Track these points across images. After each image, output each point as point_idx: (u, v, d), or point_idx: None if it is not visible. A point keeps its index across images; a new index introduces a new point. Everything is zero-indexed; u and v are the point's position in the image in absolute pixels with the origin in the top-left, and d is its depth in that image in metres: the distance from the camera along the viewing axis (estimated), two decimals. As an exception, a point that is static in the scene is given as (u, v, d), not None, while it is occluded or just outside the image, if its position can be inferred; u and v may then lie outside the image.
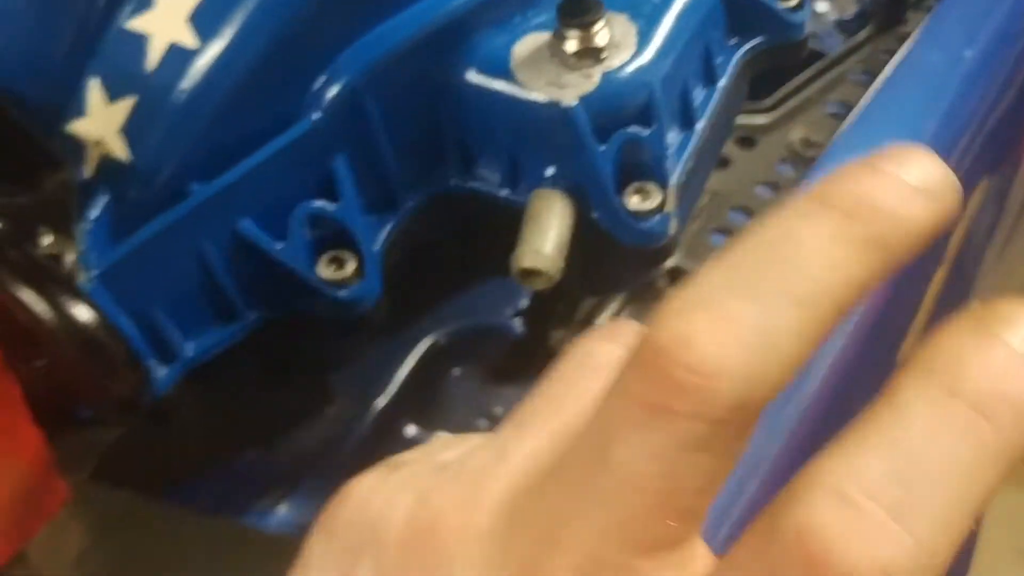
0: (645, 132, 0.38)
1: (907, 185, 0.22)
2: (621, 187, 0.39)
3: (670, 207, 0.38)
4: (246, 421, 0.44)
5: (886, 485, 0.19)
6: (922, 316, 0.57)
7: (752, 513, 0.44)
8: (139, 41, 0.37)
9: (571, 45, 0.38)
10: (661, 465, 0.20)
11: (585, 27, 0.37)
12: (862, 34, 0.61)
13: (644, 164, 0.38)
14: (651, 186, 0.38)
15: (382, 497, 0.25)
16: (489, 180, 0.41)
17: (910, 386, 0.20)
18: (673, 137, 0.40)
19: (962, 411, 0.20)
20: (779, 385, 0.20)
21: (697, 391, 0.20)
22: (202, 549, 0.40)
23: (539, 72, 0.38)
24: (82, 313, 0.30)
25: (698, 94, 0.42)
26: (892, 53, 0.59)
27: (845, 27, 0.62)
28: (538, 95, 0.38)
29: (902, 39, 0.60)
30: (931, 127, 0.55)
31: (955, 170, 0.53)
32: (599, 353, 0.26)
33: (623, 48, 0.38)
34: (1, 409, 0.31)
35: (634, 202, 0.39)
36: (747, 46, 0.43)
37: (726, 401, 0.20)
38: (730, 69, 0.43)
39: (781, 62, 0.44)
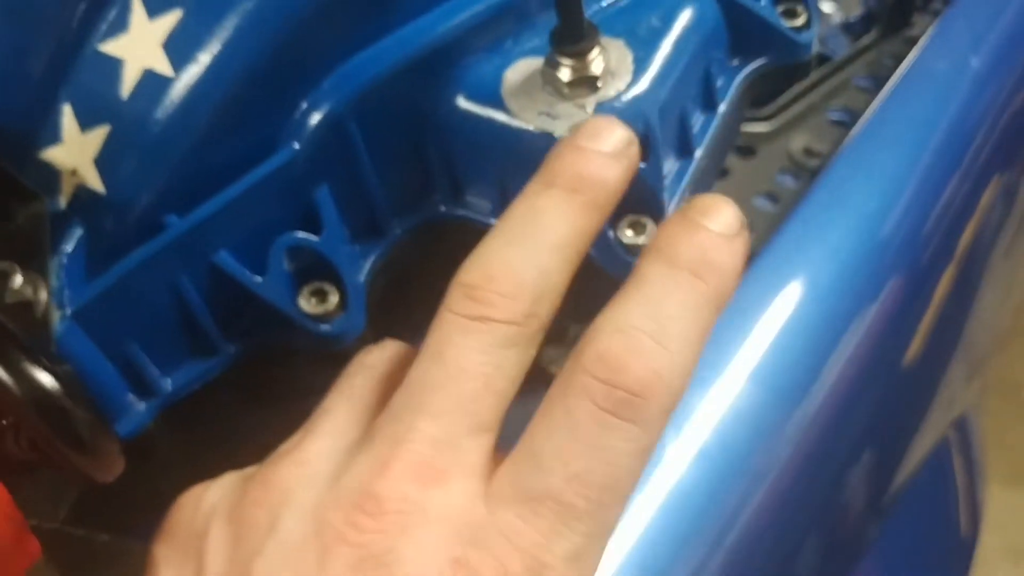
0: (641, 166, 0.36)
1: (602, 154, 0.33)
2: (615, 220, 0.37)
3: (666, 242, 0.37)
4: (225, 453, 0.42)
5: (646, 321, 0.30)
6: (930, 314, 0.56)
7: (761, 517, 0.43)
8: (113, 66, 0.35)
9: (564, 73, 0.36)
10: (484, 356, 0.30)
11: (579, 55, 0.36)
12: (867, 38, 0.59)
13: (640, 197, 0.37)
14: (646, 220, 0.37)
15: (208, 496, 0.32)
16: (479, 208, 0.39)
17: (647, 265, 0.31)
18: (670, 166, 0.39)
19: (684, 276, 0.31)
20: (556, 300, 0.32)
21: (505, 305, 0.31)
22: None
23: (531, 101, 0.37)
24: (45, 380, 0.29)
25: (697, 119, 0.40)
26: (897, 58, 0.58)
27: (850, 29, 0.60)
28: (529, 125, 0.36)
29: (908, 43, 0.59)
30: (939, 136, 0.53)
31: (965, 172, 0.52)
32: (368, 357, 0.35)
33: (619, 76, 0.37)
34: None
35: (628, 235, 0.37)
36: (750, 67, 0.42)
37: (524, 309, 0.31)
38: (731, 92, 0.41)
39: (785, 83, 0.43)
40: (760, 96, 0.51)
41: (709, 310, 0.31)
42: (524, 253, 0.31)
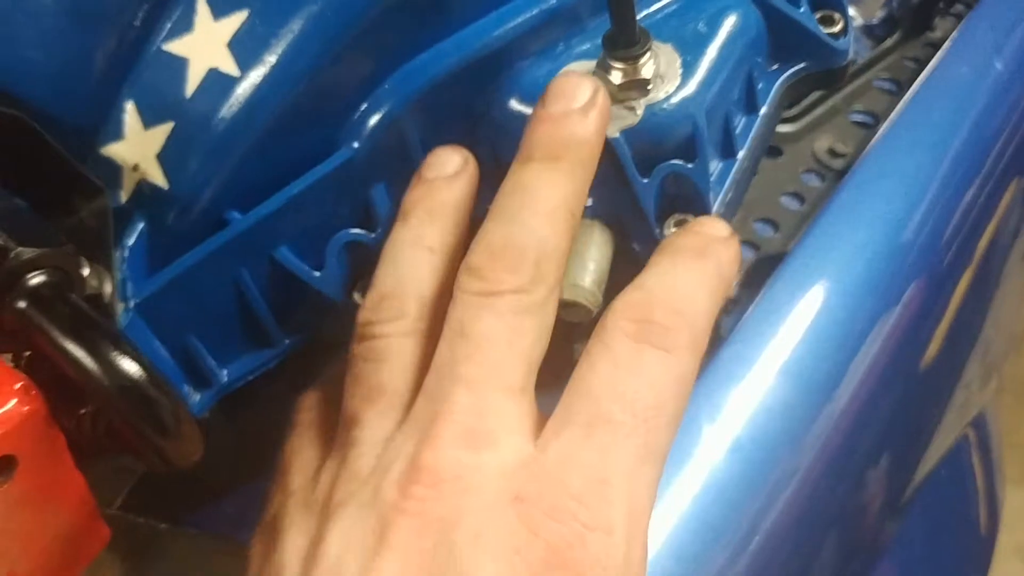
0: (688, 166, 0.38)
1: (572, 113, 0.34)
2: (662, 219, 0.38)
3: (710, 241, 0.38)
4: (275, 442, 0.43)
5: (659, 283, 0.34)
6: (948, 316, 0.57)
7: (786, 521, 0.44)
8: (177, 65, 0.36)
9: (616, 76, 0.37)
10: (504, 324, 0.32)
11: (632, 59, 0.37)
12: (889, 41, 0.60)
13: (686, 196, 0.38)
14: (692, 219, 0.38)
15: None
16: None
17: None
18: (713, 167, 0.40)
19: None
20: (559, 260, 0.34)
21: (510, 278, 0.32)
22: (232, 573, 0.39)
23: (582, 103, 0.38)
24: (132, 369, 0.30)
25: (739, 122, 0.41)
26: (919, 61, 0.59)
27: (872, 32, 0.61)
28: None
29: (929, 46, 0.60)
30: (960, 138, 0.54)
31: (986, 176, 0.53)
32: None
33: (668, 80, 0.38)
34: (47, 460, 0.31)
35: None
36: (788, 72, 0.43)
37: (528, 277, 0.33)
38: (771, 95, 0.42)
39: (821, 87, 0.44)
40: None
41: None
42: (518, 227, 0.33)
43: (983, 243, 0.58)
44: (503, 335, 0.32)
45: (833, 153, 0.57)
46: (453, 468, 0.30)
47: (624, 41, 0.36)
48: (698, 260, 0.35)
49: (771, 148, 0.57)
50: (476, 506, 0.29)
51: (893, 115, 0.54)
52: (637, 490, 0.31)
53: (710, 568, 0.41)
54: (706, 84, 0.38)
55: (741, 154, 0.41)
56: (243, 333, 0.38)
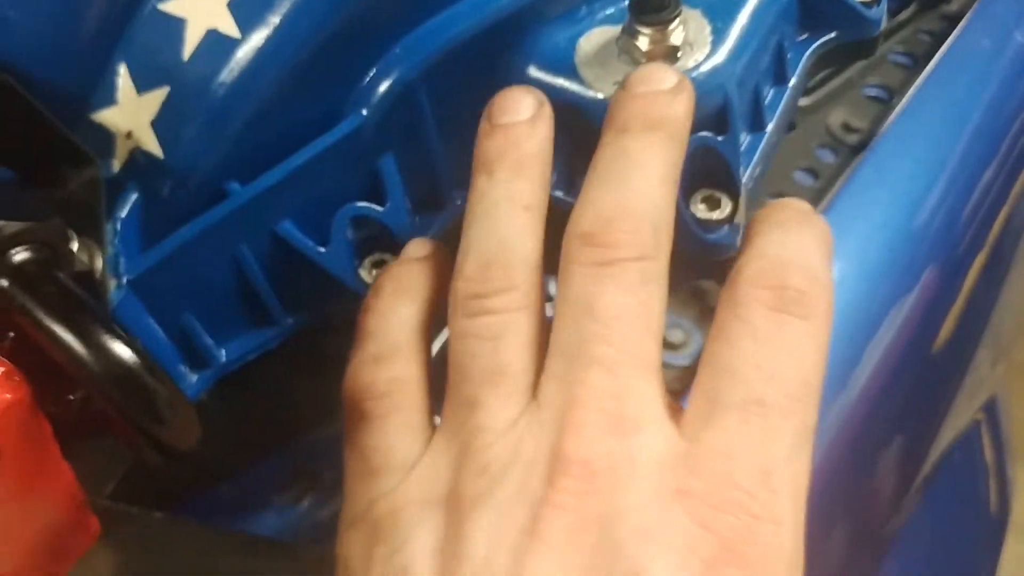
0: (719, 139, 0.35)
1: (662, 92, 0.33)
2: (689, 193, 0.36)
3: (740, 218, 0.36)
4: (276, 424, 0.41)
5: (784, 248, 0.31)
6: (960, 300, 0.55)
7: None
8: (174, 25, 0.34)
9: (643, 43, 0.35)
10: (631, 297, 0.30)
11: (661, 25, 0.34)
12: (904, 13, 0.58)
13: (715, 172, 0.36)
14: (721, 195, 0.36)
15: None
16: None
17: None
18: (743, 140, 0.38)
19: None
20: (671, 232, 0.32)
21: (632, 241, 0.30)
22: (232, 564, 0.38)
23: (606, 70, 0.36)
24: (124, 353, 0.28)
25: (768, 93, 0.39)
26: (933, 34, 0.57)
27: (887, 5, 0.59)
28: (604, 95, 0.35)
29: (944, 19, 0.58)
30: (979, 114, 0.53)
31: (1003, 158, 0.51)
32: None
33: (697, 48, 0.36)
34: (33, 450, 0.29)
35: (701, 210, 0.36)
36: (818, 42, 0.41)
37: (650, 242, 0.30)
38: (800, 66, 0.40)
39: (852, 58, 0.42)
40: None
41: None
42: (630, 191, 0.31)
43: (996, 227, 0.57)
44: (632, 309, 0.30)
45: (847, 128, 0.55)
46: (604, 459, 0.28)
47: (653, 5, 0.34)
48: (808, 226, 0.32)
49: (785, 122, 0.55)
50: (638, 501, 0.28)
51: (912, 90, 0.52)
52: (798, 474, 0.29)
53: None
54: (737, 53, 0.36)
55: (770, 127, 0.39)
56: (242, 311, 0.36)
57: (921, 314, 0.49)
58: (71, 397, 0.29)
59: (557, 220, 0.33)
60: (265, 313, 0.36)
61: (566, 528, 0.27)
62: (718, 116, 0.36)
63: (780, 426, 0.29)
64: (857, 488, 0.49)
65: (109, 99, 0.34)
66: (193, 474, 0.39)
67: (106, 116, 0.34)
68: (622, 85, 0.34)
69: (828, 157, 0.54)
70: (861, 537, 0.52)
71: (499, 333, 0.31)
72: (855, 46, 0.41)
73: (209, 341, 0.36)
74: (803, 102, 0.55)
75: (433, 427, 0.32)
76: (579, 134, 0.36)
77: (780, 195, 0.52)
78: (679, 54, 0.35)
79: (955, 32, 0.54)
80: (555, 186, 0.38)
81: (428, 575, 0.28)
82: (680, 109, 0.33)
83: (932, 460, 0.57)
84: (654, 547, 0.27)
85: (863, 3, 0.40)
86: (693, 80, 0.35)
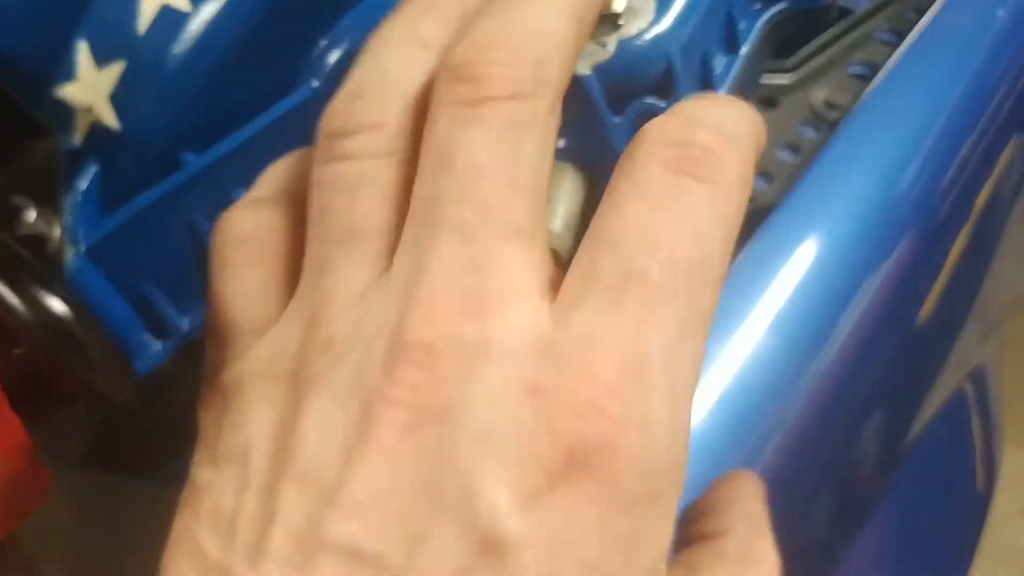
0: (662, 103, 0.36)
1: None
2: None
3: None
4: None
5: (700, 111, 0.26)
6: (945, 272, 0.55)
7: (773, 475, 0.43)
8: (129, 2, 0.35)
9: (586, 11, 0.36)
10: (497, 147, 0.24)
11: (601, -8, 0.35)
12: (891, -10, 0.58)
13: (661, 137, 0.36)
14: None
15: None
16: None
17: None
18: (692, 108, 0.38)
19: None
20: (566, 66, 0.26)
21: (505, 74, 0.25)
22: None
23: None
24: (56, 306, 0.29)
25: (719, 62, 0.39)
26: (921, 11, 0.57)
27: (873, -19, 0.59)
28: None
29: (932, -5, 0.58)
30: (959, 88, 0.53)
31: (984, 129, 0.51)
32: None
33: (641, 14, 0.36)
34: (-22, 401, 0.30)
35: (648, 176, 0.37)
36: (772, 10, 0.41)
37: (529, 76, 0.25)
38: (753, 35, 0.40)
39: (807, 27, 0.42)
40: (783, 47, 0.51)
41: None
42: (515, 15, 0.26)
43: (981, 199, 0.57)
44: (499, 160, 0.25)
45: (830, 105, 0.55)
46: (450, 343, 0.23)
47: (593, -27, 0.35)
48: (737, 106, 0.27)
49: (767, 100, 0.55)
50: (481, 397, 0.23)
51: (889, 63, 0.52)
52: (680, 368, 0.24)
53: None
54: (681, 20, 0.37)
55: (721, 94, 0.39)
56: (202, 280, 0.37)
57: (899, 284, 0.49)
58: (16, 352, 0.30)
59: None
60: (225, 281, 0.37)
61: (400, 427, 0.23)
62: (662, 81, 0.36)
63: (662, 308, 0.24)
64: (837, 455, 0.50)
65: (70, 75, 0.36)
66: (163, 441, 0.40)
67: (67, 91, 0.36)
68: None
69: (810, 134, 0.54)
70: (844, 504, 0.52)
71: (356, 183, 0.26)
72: (810, 15, 0.41)
73: (172, 310, 0.37)
74: (786, 80, 0.56)
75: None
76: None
77: (762, 173, 0.53)
78: (621, 21, 0.36)
79: (934, 6, 0.54)
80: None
81: (264, 462, 0.24)
82: None
83: (916, 430, 0.57)
84: (490, 455, 0.23)
85: (814, -29, 0.41)
86: (636, 47, 0.36)
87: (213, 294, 0.29)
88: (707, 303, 0.25)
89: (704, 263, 0.25)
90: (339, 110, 0.27)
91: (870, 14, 0.58)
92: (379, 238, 0.26)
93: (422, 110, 0.26)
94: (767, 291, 0.45)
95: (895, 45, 0.56)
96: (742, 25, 0.40)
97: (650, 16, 0.36)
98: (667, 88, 0.36)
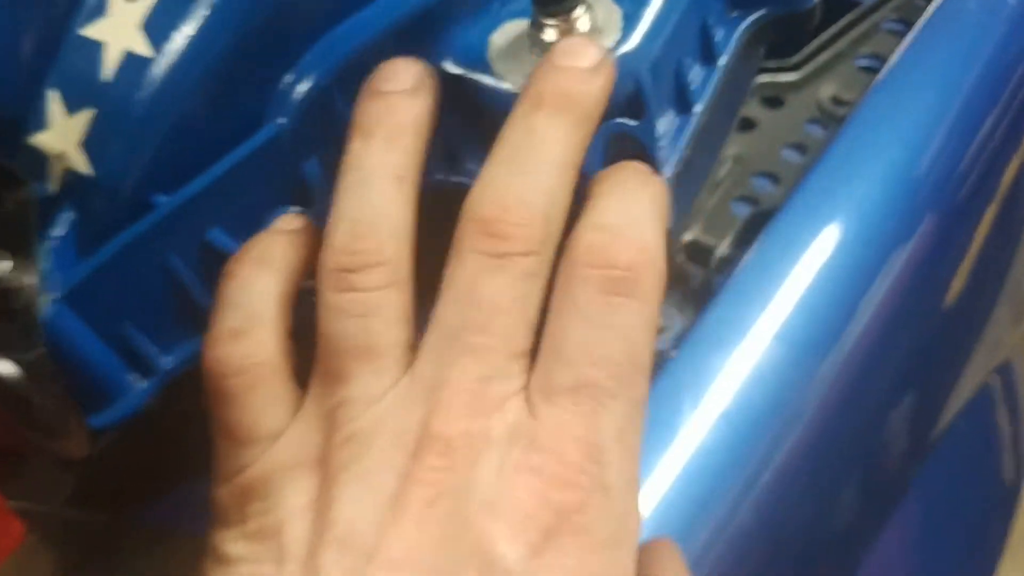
0: (633, 124, 0.35)
1: (582, 69, 0.34)
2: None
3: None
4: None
5: (617, 217, 0.33)
6: (971, 254, 0.54)
7: (794, 455, 0.42)
8: (95, 49, 0.35)
9: (550, 34, 0.35)
10: (514, 292, 0.32)
11: (563, 15, 0.35)
12: (898, -21, 0.57)
13: (631, 155, 0.36)
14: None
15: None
16: (475, 173, 0.38)
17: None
18: (668, 123, 0.37)
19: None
20: (563, 217, 0.33)
21: (523, 235, 0.32)
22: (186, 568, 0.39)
23: (518, 63, 0.36)
24: (7, 370, 0.29)
25: (696, 74, 0.39)
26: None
27: (880, -30, 0.58)
28: (516, 87, 0.36)
29: (941, -17, 0.56)
30: (973, 75, 0.51)
31: (1003, 110, 0.50)
32: None
33: (607, 34, 0.36)
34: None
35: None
36: (750, 19, 0.40)
37: (540, 236, 0.32)
38: (732, 45, 0.40)
39: (790, 32, 0.41)
40: (783, 45, 0.50)
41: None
42: (530, 178, 0.33)
43: (1007, 178, 0.55)
44: (515, 302, 0.32)
45: (839, 101, 0.54)
46: (463, 436, 0.30)
47: (553, -3, 0.35)
48: (642, 190, 0.34)
49: (772, 99, 0.54)
50: (487, 476, 0.30)
51: (896, 54, 0.51)
52: (627, 444, 0.31)
53: (718, 512, 0.41)
54: (650, 36, 0.36)
55: (698, 108, 0.38)
56: (183, 319, 0.37)
57: (922, 265, 0.48)
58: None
59: (449, 200, 0.34)
60: (205, 319, 0.38)
61: (424, 501, 0.30)
62: (633, 101, 0.36)
63: (609, 406, 0.31)
64: (863, 444, 0.49)
65: (42, 123, 0.36)
66: (147, 480, 0.41)
67: (40, 139, 0.36)
68: (547, 55, 0.35)
69: (818, 132, 0.53)
70: (870, 494, 0.51)
71: (369, 310, 0.32)
72: (790, 20, 0.40)
73: (153, 349, 0.37)
74: (791, 77, 0.55)
75: (298, 393, 0.34)
76: (497, 126, 0.36)
77: (767, 174, 0.52)
78: (586, 42, 0.35)
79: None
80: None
81: (302, 534, 0.30)
82: (596, 88, 0.34)
83: (946, 419, 0.56)
84: (497, 519, 0.29)
85: (792, -23, 0.40)
86: (603, 66, 0.35)
87: (221, 418, 0.34)
88: (642, 391, 0.32)
89: (637, 362, 0.32)
90: (343, 247, 0.33)
91: (877, 5, 0.57)
92: (390, 353, 0.32)
93: (412, 242, 0.34)
94: (773, 302, 0.44)
95: (903, 36, 0.54)
96: (719, 35, 0.39)
97: (616, 34, 0.36)
98: (638, 108, 0.36)
